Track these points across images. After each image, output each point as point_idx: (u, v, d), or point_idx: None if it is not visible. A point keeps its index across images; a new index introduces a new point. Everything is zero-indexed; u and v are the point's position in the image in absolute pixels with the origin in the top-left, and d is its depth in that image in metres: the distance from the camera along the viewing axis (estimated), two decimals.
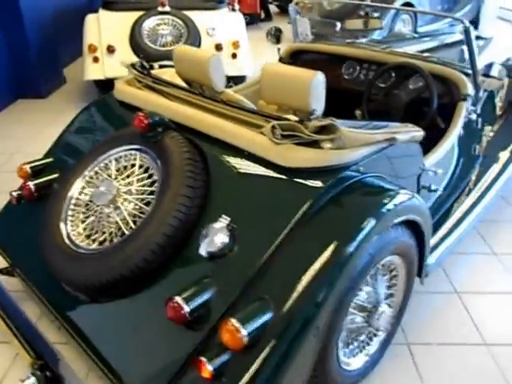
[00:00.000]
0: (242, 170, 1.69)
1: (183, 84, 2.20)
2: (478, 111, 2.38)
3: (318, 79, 1.71)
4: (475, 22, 7.28)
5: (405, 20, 6.75)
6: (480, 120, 2.56)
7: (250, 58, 4.85)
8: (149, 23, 4.67)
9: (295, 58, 3.10)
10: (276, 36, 3.15)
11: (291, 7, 3.05)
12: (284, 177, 1.58)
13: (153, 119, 1.78)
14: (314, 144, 1.59)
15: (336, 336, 1.54)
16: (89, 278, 1.62)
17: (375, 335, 1.88)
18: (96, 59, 4.54)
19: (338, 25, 6.69)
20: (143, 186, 1.78)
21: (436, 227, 2.26)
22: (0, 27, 4.58)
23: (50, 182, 2.11)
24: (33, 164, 2.23)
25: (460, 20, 2.29)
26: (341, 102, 2.90)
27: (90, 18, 4.77)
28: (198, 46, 4.67)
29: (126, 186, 1.80)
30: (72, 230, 1.81)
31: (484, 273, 2.46)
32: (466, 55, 2.35)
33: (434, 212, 2.26)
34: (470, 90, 2.34)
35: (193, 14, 4.79)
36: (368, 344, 1.85)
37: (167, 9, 4.73)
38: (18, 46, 4.74)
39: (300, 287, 1.38)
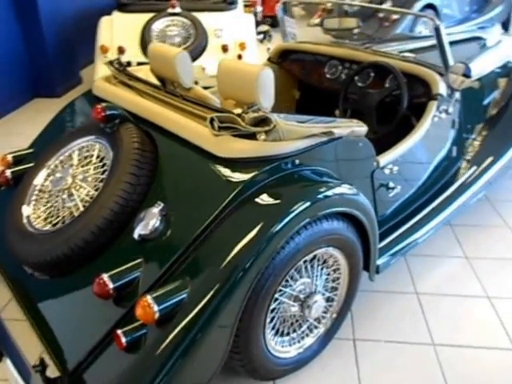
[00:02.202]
0: (184, 160, 1.77)
1: (154, 80, 2.30)
2: (450, 111, 2.36)
3: (265, 74, 1.76)
4: (506, 24, 7.11)
5: (426, 21, 6.65)
6: (457, 121, 2.54)
7: (256, 60, 4.91)
8: (158, 24, 4.82)
9: (284, 57, 3.16)
10: (264, 36, 3.21)
11: (278, 7, 3.11)
12: (219, 166, 1.65)
13: (109, 112, 1.88)
14: (251, 136, 1.65)
15: (258, 320, 1.59)
16: (37, 256, 1.73)
17: (316, 327, 1.91)
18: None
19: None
20: (97, 173, 1.89)
21: (398, 225, 2.27)
22: (18, 28, 4.85)
23: (26, 170, 2.25)
24: (15, 154, 2.37)
25: (430, 18, 2.29)
26: (324, 102, 2.95)
27: (104, 20, 4.97)
28: (205, 46, 4.78)
29: (82, 173, 1.91)
30: (33, 213, 1.94)
31: (450, 276, 2.44)
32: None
33: (396, 210, 2.27)
34: (442, 89, 2.33)
35: (202, 16, 4.91)
36: (307, 335, 1.89)
37: (177, 10, 4.87)
38: (35, 47, 5.00)
39: (217, 270, 1.45)
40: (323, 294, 1.88)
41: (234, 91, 1.90)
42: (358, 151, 1.91)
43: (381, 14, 6.45)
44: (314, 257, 1.76)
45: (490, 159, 2.74)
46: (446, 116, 2.38)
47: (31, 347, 1.71)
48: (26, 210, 1.93)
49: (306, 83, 3.09)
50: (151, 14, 4.89)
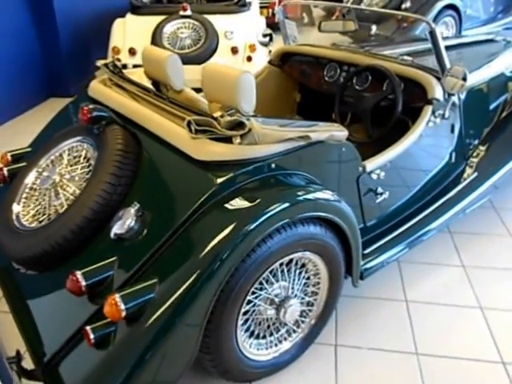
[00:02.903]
0: (165, 162, 1.79)
1: (147, 83, 2.33)
2: (447, 115, 2.30)
3: (245, 78, 1.74)
4: None
5: (447, 22, 6.52)
6: (457, 125, 2.48)
7: (265, 61, 4.90)
8: (169, 27, 4.88)
9: (284, 60, 3.15)
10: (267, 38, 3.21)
11: (278, 10, 3.10)
12: (195, 168, 1.66)
13: (95, 113, 1.92)
14: (227, 139, 1.65)
15: (229, 322, 1.59)
16: (21, 251, 1.78)
17: (295, 332, 1.90)
18: (118, 60, 4.79)
19: (374, 28, 6.62)
20: (83, 173, 1.92)
21: (388, 232, 2.23)
22: (34, 29, 4.97)
23: (21, 168, 2.31)
24: (14, 152, 2.44)
25: (426, 21, 2.24)
26: (325, 104, 2.92)
27: (118, 22, 5.06)
28: (215, 48, 4.81)
29: (69, 173, 1.94)
30: (22, 211, 1.98)
31: (444, 285, 2.38)
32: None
33: (386, 216, 2.23)
34: (438, 94, 2.28)
35: (213, 18, 4.94)
36: (285, 339, 1.88)
37: (188, 13, 4.92)
38: (50, 48, 5.12)
39: (186, 269, 1.46)
40: (302, 299, 1.87)
41: (218, 94, 1.90)
42: (341, 156, 1.89)
43: (399, 16, 6.36)
44: (291, 261, 1.74)
45: (494, 166, 2.67)
46: (442, 121, 2.33)
47: (14, 340, 1.76)
48: (16, 208, 1.98)
49: (306, 86, 3.07)
50: (163, 17, 4.95)
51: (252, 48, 4.82)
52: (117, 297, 1.40)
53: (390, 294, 2.31)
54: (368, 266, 2.08)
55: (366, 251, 2.12)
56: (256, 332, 1.78)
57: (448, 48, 3.11)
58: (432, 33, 2.20)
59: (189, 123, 1.65)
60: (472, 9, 6.32)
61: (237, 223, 1.49)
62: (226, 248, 1.46)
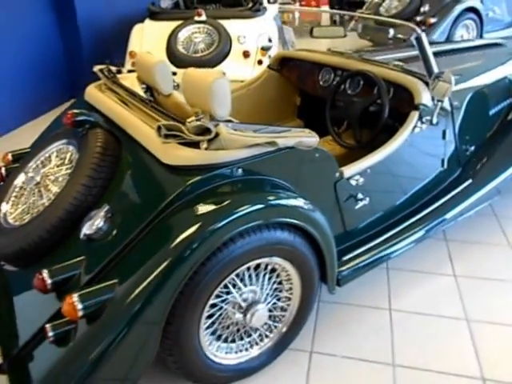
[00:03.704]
0: (139, 166, 1.83)
1: (138, 87, 2.38)
2: (435, 121, 2.25)
3: (219, 83, 1.73)
4: None
5: (468, 25, 6.37)
6: (449, 131, 2.42)
7: None
8: (185, 31, 4.96)
9: (283, 65, 3.16)
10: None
11: (275, 16, 3.11)
12: (163, 172, 1.68)
13: (78, 118, 1.98)
14: (196, 144, 1.67)
15: (191, 324, 1.60)
16: (4, 248, 1.85)
17: (267, 337, 1.90)
18: (134, 65, 4.90)
19: (391, 32, 6.53)
20: (66, 174, 1.98)
21: (371, 238, 2.20)
22: (57, 33, 5.17)
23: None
24: (15, 152, 2.54)
25: (412, 27, 2.20)
26: (323, 108, 2.91)
27: (137, 27, 5.18)
28: (228, 52, 4.86)
29: (54, 174, 2.01)
30: (10, 209, 2.07)
31: (432, 294, 2.32)
32: None
33: (368, 222, 2.20)
34: (425, 99, 2.23)
35: (227, 23, 4.99)
36: (256, 344, 1.88)
37: (203, 18, 4.98)
38: (73, 51, 5.32)
39: (145, 270, 1.49)
40: (274, 304, 1.86)
41: (195, 99, 1.92)
42: (314, 162, 1.87)
43: (418, 18, 6.25)
44: (259, 265, 1.75)
45: (491, 172, 2.59)
46: (431, 127, 2.27)
47: None
48: (5, 207, 2.07)
49: (303, 90, 3.07)
50: (179, 22, 5.04)
51: (263, 52, 4.84)
52: (74, 296, 1.44)
53: (375, 302, 2.27)
54: (347, 272, 2.05)
55: (346, 257, 2.10)
56: (224, 336, 1.79)
57: (451, 52, 3.06)
58: (418, 39, 2.16)
59: (159, 128, 1.68)
60: (493, 12, 6.13)
61: (198, 226, 1.51)
62: (186, 249, 1.47)
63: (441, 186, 2.50)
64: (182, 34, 4.96)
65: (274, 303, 1.88)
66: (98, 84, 2.47)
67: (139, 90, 2.37)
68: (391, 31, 6.45)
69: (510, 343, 2.03)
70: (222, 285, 1.65)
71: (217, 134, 1.64)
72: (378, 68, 2.49)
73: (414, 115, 2.23)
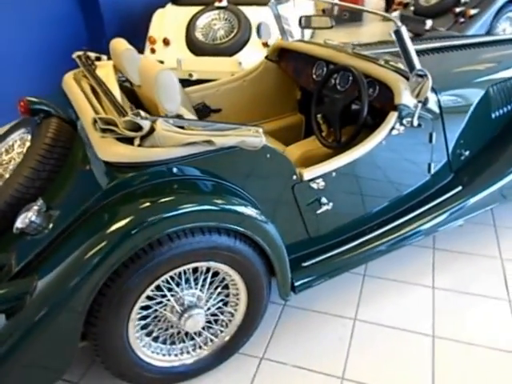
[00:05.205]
0: (82, 159, 1.80)
1: (112, 76, 2.35)
2: (415, 124, 2.09)
3: (163, 76, 1.66)
4: None
5: (511, 18, 5.96)
6: (436, 134, 2.26)
7: None
8: (204, 18, 4.91)
9: (282, 56, 3.05)
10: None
11: (271, 4, 3.00)
12: (98, 168, 1.66)
13: (33, 106, 1.99)
14: (130, 140, 1.61)
15: (115, 325, 1.58)
16: None
17: (212, 341, 1.87)
18: (153, 50, 4.93)
19: (428, 22, 6.19)
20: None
21: (338, 245, 2.10)
22: (81, 18, 5.26)
23: None
24: None
25: (392, 19, 2.04)
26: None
27: (158, 12, 5.18)
28: (247, 40, 4.77)
29: (9, 163, 2.02)
30: None
31: (404, 306, 2.20)
32: None
33: (336, 228, 2.10)
34: (404, 99, 2.08)
35: (248, 9, 4.89)
36: (200, 348, 1.86)
37: (224, 4, 4.91)
38: (96, 36, 5.40)
39: (66, 266, 1.48)
40: (219, 308, 1.83)
41: (149, 93, 1.87)
42: (265, 163, 1.78)
43: (457, 9, 5.88)
44: (196, 269, 1.71)
45: (483, 182, 2.40)
46: (413, 129, 2.12)
47: None
48: None
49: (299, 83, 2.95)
50: (201, 7, 4.99)
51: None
52: None
53: (341, 310, 2.18)
54: (306, 280, 1.98)
55: (307, 263, 2.02)
56: (163, 338, 1.77)
57: (467, 47, 2.84)
58: (398, 32, 2.00)
59: (94, 121, 1.63)
60: None
61: (116, 227, 1.48)
62: (104, 251, 1.45)
63: (426, 193, 2.34)
64: (202, 21, 4.92)
65: (220, 307, 1.84)
66: (78, 71, 2.43)
67: (113, 78, 2.32)
68: (429, 22, 6.12)
69: (470, 365, 1.90)
70: (152, 287, 1.62)
71: (152, 131, 1.58)
72: (367, 63, 2.34)
73: (392, 116, 2.08)
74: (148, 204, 1.53)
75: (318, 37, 7.67)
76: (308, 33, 6.28)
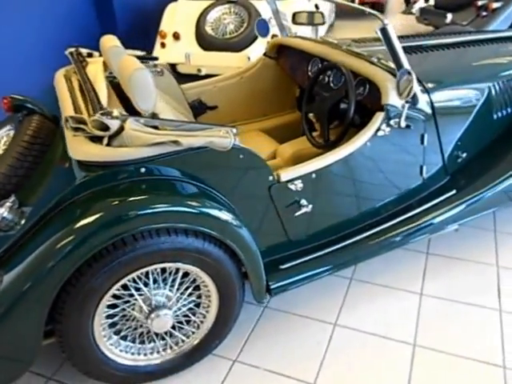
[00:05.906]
0: (57, 157, 1.80)
1: (100, 73, 2.35)
2: (402, 125, 2.01)
3: (137, 75, 1.64)
4: None
5: None
6: (429, 136, 2.17)
7: None
8: (214, 12, 4.88)
9: (281, 52, 3.00)
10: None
11: None
12: (68, 167, 1.65)
13: (15, 103, 2.00)
14: (101, 139, 1.61)
15: (79, 323, 1.58)
16: None
17: (183, 342, 1.85)
18: (163, 45, 4.93)
19: (449, 16, 6.00)
20: None
21: (319, 248, 2.05)
22: (94, 15, 5.31)
23: None
24: None
25: (378, 17, 1.96)
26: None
27: (170, 6, 5.18)
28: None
29: None
30: None
31: (387, 313, 2.13)
32: None
33: (317, 231, 2.04)
34: (392, 99, 2.00)
35: (260, 4, 4.83)
36: (170, 348, 1.84)
37: None
38: (109, 32, 5.42)
39: (30, 262, 1.49)
40: (191, 309, 1.81)
41: (126, 90, 1.85)
42: (239, 163, 1.74)
43: (479, 2, 5.67)
44: (164, 270, 1.69)
45: (480, 186, 2.30)
46: (402, 130, 2.04)
47: None
48: None
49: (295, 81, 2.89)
50: (211, 1, 4.96)
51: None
52: None
53: (322, 315, 2.13)
54: (282, 282, 1.94)
55: (285, 266, 1.98)
56: (131, 336, 1.77)
57: (480, 42, 2.71)
58: (384, 30, 1.93)
59: (66, 119, 1.63)
60: None
61: (86, 221, 1.48)
62: (73, 241, 1.46)
63: (417, 196, 2.26)
64: (212, 15, 4.89)
65: (191, 309, 1.82)
66: (70, 68, 2.43)
67: (101, 75, 2.31)
68: (449, 16, 5.93)
69: (450, 377, 1.82)
70: (117, 286, 1.61)
71: (121, 130, 1.57)
72: (358, 61, 2.27)
73: (378, 117, 2.01)
74: (115, 203, 1.53)
75: (335, 32, 7.55)
76: (323, 29, 6.18)
